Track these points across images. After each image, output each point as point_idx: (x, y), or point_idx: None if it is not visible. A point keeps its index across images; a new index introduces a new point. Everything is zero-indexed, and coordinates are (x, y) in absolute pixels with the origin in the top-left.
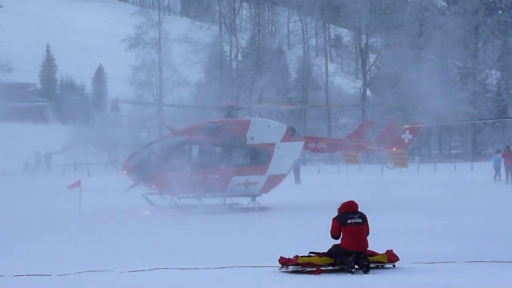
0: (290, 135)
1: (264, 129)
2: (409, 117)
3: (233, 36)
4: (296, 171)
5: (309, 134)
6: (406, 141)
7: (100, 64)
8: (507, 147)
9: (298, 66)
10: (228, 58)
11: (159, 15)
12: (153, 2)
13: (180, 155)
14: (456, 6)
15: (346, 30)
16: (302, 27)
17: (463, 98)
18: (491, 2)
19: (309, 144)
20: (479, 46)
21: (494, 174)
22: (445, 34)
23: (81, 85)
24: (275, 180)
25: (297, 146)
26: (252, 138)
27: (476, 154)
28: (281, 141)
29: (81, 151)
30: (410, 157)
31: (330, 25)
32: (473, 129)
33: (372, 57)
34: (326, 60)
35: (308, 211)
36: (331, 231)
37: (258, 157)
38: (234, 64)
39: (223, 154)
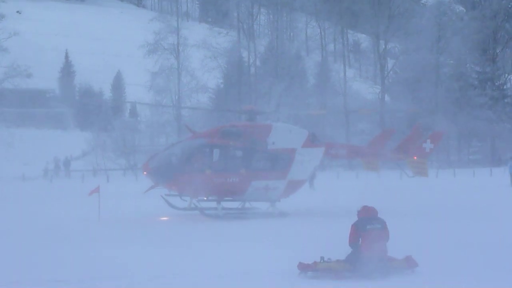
0: (311, 141)
1: (286, 134)
2: (428, 122)
3: (251, 42)
4: (311, 176)
5: (327, 139)
6: (427, 150)
7: (119, 70)
8: None
9: (316, 71)
10: (246, 64)
11: (177, 21)
12: (171, 8)
13: (201, 157)
14: (475, 11)
15: (364, 35)
16: (320, 32)
17: (482, 103)
18: (510, 7)
19: (330, 151)
20: (498, 51)
21: (511, 180)
22: (463, 39)
23: (99, 91)
24: (295, 186)
25: (318, 152)
26: (273, 143)
27: (495, 159)
28: (302, 147)
29: (99, 157)
30: (429, 162)
31: (348, 31)
32: (492, 134)
33: (390, 63)
34: (345, 66)
35: (325, 217)
36: (349, 239)
37: (279, 162)
38: (252, 69)
39: (244, 158)
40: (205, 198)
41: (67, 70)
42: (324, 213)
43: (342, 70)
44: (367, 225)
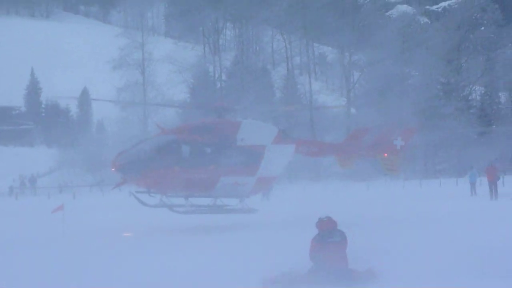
0: (282, 137)
1: (255, 131)
2: None
3: (217, 56)
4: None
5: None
6: (398, 147)
7: (85, 86)
8: (490, 162)
9: (282, 85)
10: (212, 78)
11: (142, 36)
12: (137, 24)
13: (169, 153)
14: (439, 22)
15: (330, 48)
16: (286, 46)
17: (447, 114)
18: (474, 18)
19: (300, 148)
20: (462, 62)
21: (470, 189)
22: (428, 51)
23: (66, 107)
24: (265, 182)
25: (289, 149)
26: (242, 140)
27: (461, 169)
28: (272, 143)
29: (66, 173)
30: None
31: (314, 44)
32: (458, 144)
33: (356, 75)
34: (310, 79)
35: (287, 229)
36: (310, 254)
37: (248, 158)
38: (219, 84)
39: (213, 154)
40: (173, 194)
41: (33, 86)
42: (284, 223)
43: (308, 83)
44: (327, 238)
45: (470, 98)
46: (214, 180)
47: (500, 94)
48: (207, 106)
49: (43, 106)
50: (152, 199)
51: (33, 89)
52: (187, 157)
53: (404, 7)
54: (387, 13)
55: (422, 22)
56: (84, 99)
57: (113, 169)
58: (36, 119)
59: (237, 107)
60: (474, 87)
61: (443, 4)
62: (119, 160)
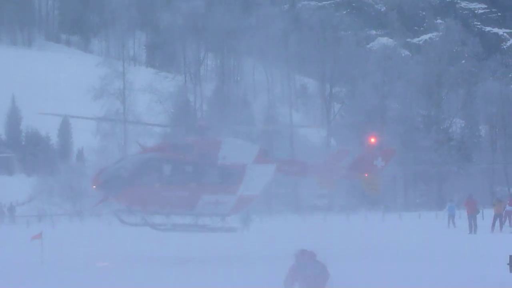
0: (263, 156)
1: (236, 149)
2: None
3: (197, 86)
4: (246, 218)
5: (276, 185)
6: (379, 167)
7: (66, 115)
8: (470, 195)
9: (263, 116)
10: (193, 108)
11: (123, 65)
12: (118, 53)
13: (150, 171)
14: (419, 55)
15: (311, 79)
16: (267, 77)
17: (427, 146)
18: (454, 52)
19: (282, 167)
20: (443, 94)
21: (448, 221)
22: (408, 83)
23: (46, 136)
24: (245, 201)
25: (270, 168)
26: (224, 158)
27: (441, 202)
28: (253, 162)
29: (46, 202)
30: (376, 205)
31: (295, 75)
32: (438, 177)
33: (336, 107)
34: (291, 110)
35: (262, 262)
36: (284, 281)
37: (229, 177)
38: (199, 113)
39: (194, 172)
40: (154, 212)
41: (14, 115)
42: (258, 257)
43: (288, 114)
44: (306, 270)
45: (450, 130)
46: (195, 198)
47: (480, 127)
48: (188, 124)
49: (23, 134)
50: (133, 218)
51: (14, 117)
52: (168, 175)
53: (385, 40)
54: (368, 45)
55: (403, 54)
56: (64, 128)
57: (94, 186)
58: (16, 148)
59: (217, 126)
60: (454, 120)
61: (424, 37)
62: (100, 177)
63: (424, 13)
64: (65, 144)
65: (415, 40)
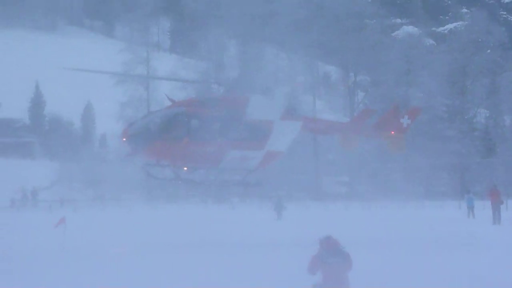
0: (289, 113)
1: (264, 106)
2: (395, 155)
3: (220, 73)
4: (278, 206)
5: (297, 172)
6: (405, 125)
7: (89, 101)
8: (494, 185)
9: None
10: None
11: (147, 51)
12: (141, 39)
13: (179, 125)
14: (444, 44)
15: (334, 67)
16: (290, 65)
17: (451, 136)
18: (479, 41)
19: (308, 125)
20: (467, 84)
21: (468, 212)
22: (433, 72)
23: (69, 121)
24: (272, 157)
25: (296, 125)
26: (251, 114)
27: (464, 192)
28: (280, 119)
29: (68, 187)
30: (397, 194)
31: (318, 63)
32: (461, 166)
33: (360, 95)
34: (314, 98)
35: (290, 248)
36: (308, 267)
37: (256, 132)
38: None
39: (221, 127)
40: (182, 166)
41: (37, 100)
42: (288, 244)
43: (311, 102)
44: (328, 257)
45: (474, 121)
46: (222, 153)
47: (504, 117)
48: (215, 81)
49: (46, 119)
50: (160, 172)
51: (37, 102)
52: (196, 129)
53: (410, 28)
54: (393, 34)
55: (427, 43)
56: (87, 113)
57: (123, 140)
58: (39, 132)
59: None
60: (478, 110)
61: (449, 26)
62: (129, 131)
63: (449, 2)
64: (88, 129)
65: (440, 29)
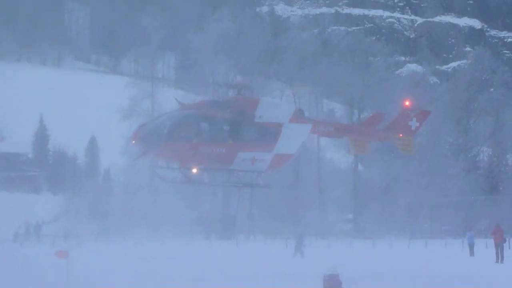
0: (299, 116)
1: (273, 109)
2: (402, 191)
3: None
4: (299, 242)
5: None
6: (413, 128)
7: (93, 135)
8: (497, 224)
9: None
10: None
11: (152, 86)
12: (147, 74)
13: (189, 127)
14: (448, 82)
15: (339, 104)
16: (295, 100)
17: (455, 174)
18: (483, 80)
19: (317, 128)
20: (471, 122)
21: (469, 251)
22: (437, 110)
23: (73, 155)
24: (281, 159)
25: (305, 128)
26: (260, 117)
27: (466, 230)
28: (289, 122)
29: (72, 221)
30: (401, 232)
31: (323, 99)
32: (465, 205)
33: None
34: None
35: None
36: None
37: (266, 135)
38: None
39: (231, 129)
40: (193, 168)
41: (42, 134)
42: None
43: (316, 139)
44: None
45: (477, 159)
46: (233, 155)
47: (507, 155)
48: (225, 84)
49: (50, 153)
50: (170, 175)
51: (41, 136)
52: (207, 131)
53: (414, 66)
54: (397, 72)
55: (431, 81)
56: (92, 147)
57: (133, 141)
58: (43, 166)
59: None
60: (482, 148)
61: (453, 64)
62: (140, 133)
63: (453, 40)
64: (92, 163)
65: (444, 67)
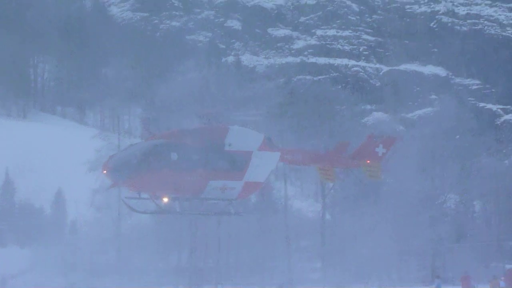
0: (267, 144)
1: (242, 137)
2: (368, 240)
3: None
4: None
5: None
6: (380, 154)
7: (60, 187)
8: (465, 271)
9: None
10: None
11: (118, 138)
12: (113, 126)
13: (159, 156)
14: (414, 130)
15: None
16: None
17: (421, 221)
18: (449, 127)
19: (285, 156)
20: (437, 170)
21: None
22: (403, 158)
23: (40, 207)
24: (251, 187)
25: (274, 156)
26: (230, 145)
27: (434, 278)
28: (258, 150)
29: (39, 274)
30: (369, 281)
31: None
32: (431, 252)
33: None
34: (286, 184)
35: None
36: None
37: (235, 163)
38: None
39: (201, 158)
40: (163, 197)
41: (7, 186)
42: None
43: (283, 188)
44: None
45: (444, 206)
46: (203, 183)
47: (474, 202)
48: (195, 113)
49: (16, 206)
50: (140, 206)
51: (7, 189)
52: (177, 161)
53: (380, 114)
54: (363, 120)
55: (397, 129)
56: (58, 200)
57: (104, 172)
58: (9, 219)
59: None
60: (449, 195)
61: (418, 112)
62: (110, 163)
63: (418, 88)
64: (58, 216)
65: (410, 115)
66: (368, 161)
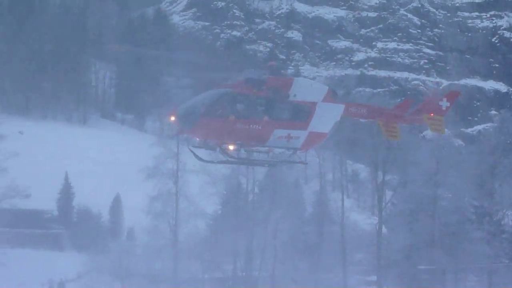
0: (332, 97)
1: (307, 88)
2: (425, 257)
3: (250, 169)
4: None
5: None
6: (444, 108)
7: (118, 193)
8: None
9: (314, 200)
10: (244, 191)
11: (177, 146)
12: (172, 133)
13: (225, 104)
14: (473, 145)
15: (363, 165)
16: (319, 161)
17: (479, 238)
18: (508, 143)
19: (350, 109)
20: (496, 186)
21: None
22: (461, 173)
23: (97, 213)
24: (315, 137)
25: (338, 108)
26: (294, 95)
27: None
28: (322, 101)
29: (95, 280)
30: None
31: (347, 161)
32: (489, 269)
33: (388, 194)
34: (343, 195)
35: None
36: None
37: (300, 113)
38: (251, 196)
39: (267, 107)
40: (229, 145)
41: (67, 191)
42: None
43: (340, 200)
44: None
45: (502, 223)
46: (268, 132)
47: None
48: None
49: (75, 211)
50: (207, 155)
51: (66, 194)
52: (243, 109)
53: None
54: (422, 134)
55: (456, 144)
56: (116, 206)
57: (171, 120)
58: (68, 224)
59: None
60: (507, 212)
61: (478, 127)
62: (178, 111)
63: (478, 103)
64: (116, 222)
65: (469, 130)
66: (432, 114)
